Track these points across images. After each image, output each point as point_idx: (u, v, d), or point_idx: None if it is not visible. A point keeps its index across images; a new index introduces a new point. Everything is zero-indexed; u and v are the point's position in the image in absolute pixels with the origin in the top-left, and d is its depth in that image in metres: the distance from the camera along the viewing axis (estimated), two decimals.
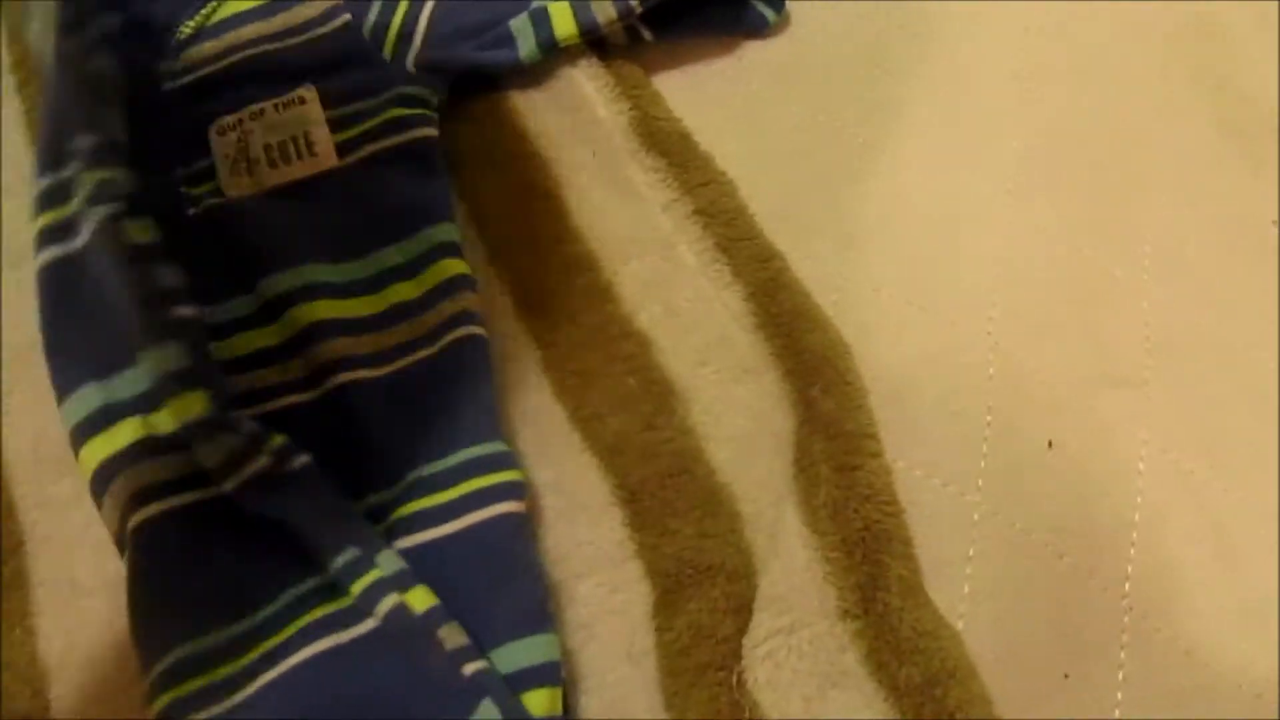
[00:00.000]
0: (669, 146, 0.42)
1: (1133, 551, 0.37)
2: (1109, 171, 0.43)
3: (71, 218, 0.36)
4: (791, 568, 0.35)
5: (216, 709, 0.31)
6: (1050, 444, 0.37)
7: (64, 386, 0.36)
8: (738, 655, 0.34)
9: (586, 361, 0.39)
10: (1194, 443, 0.38)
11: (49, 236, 0.37)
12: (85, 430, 0.35)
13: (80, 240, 0.36)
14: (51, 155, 0.37)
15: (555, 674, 0.33)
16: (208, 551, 0.34)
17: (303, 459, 0.33)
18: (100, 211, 0.35)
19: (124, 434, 0.34)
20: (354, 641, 0.33)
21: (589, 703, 0.34)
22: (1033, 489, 0.37)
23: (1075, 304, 0.40)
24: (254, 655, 0.32)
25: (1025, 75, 0.46)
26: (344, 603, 0.33)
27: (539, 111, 0.43)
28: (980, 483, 0.37)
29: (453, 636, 0.32)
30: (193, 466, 0.33)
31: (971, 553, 0.36)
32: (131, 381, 0.35)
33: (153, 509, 0.33)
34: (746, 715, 0.34)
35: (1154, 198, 0.43)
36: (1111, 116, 0.44)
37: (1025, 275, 0.41)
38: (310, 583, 0.33)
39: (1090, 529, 0.37)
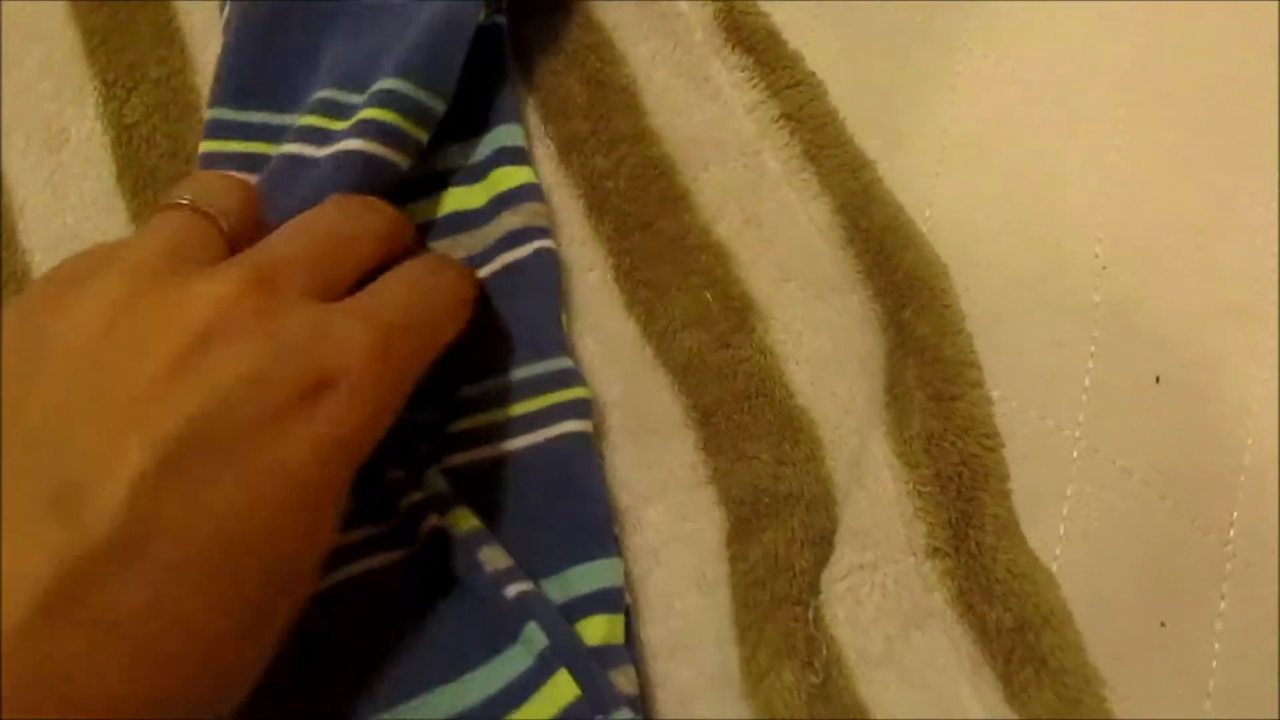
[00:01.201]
0: (756, 43, 0.39)
1: (1240, 496, 0.34)
2: (1233, 90, 0.39)
3: None
4: (878, 501, 0.33)
5: None
6: (1158, 379, 0.35)
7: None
8: (815, 590, 0.33)
9: (660, 273, 0.37)
10: None
11: None
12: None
13: None
14: None
15: (617, 600, 0.31)
16: None
17: None
18: None
19: None
20: (394, 564, 0.31)
21: (654, 632, 0.33)
22: (1136, 426, 0.34)
23: (1190, 231, 0.37)
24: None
25: None
26: (388, 525, 0.32)
27: (615, 2, 0.40)
28: (1081, 418, 0.34)
29: (495, 559, 0.30)
30: None
31: (1069, 491, 0.34)
32: None
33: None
34: (823, 652, 0.32)
35: None
36: (1239, 28, 0.40)
37: (1136, 199, 0.37)
38: (356, 504, 0.32)
39: (1195, 471, 0.34)
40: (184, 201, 0.30)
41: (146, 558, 0.23)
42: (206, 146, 0.36)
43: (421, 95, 0.34)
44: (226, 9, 0.38)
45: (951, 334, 0.33)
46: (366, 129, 0.33)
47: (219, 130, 0.36)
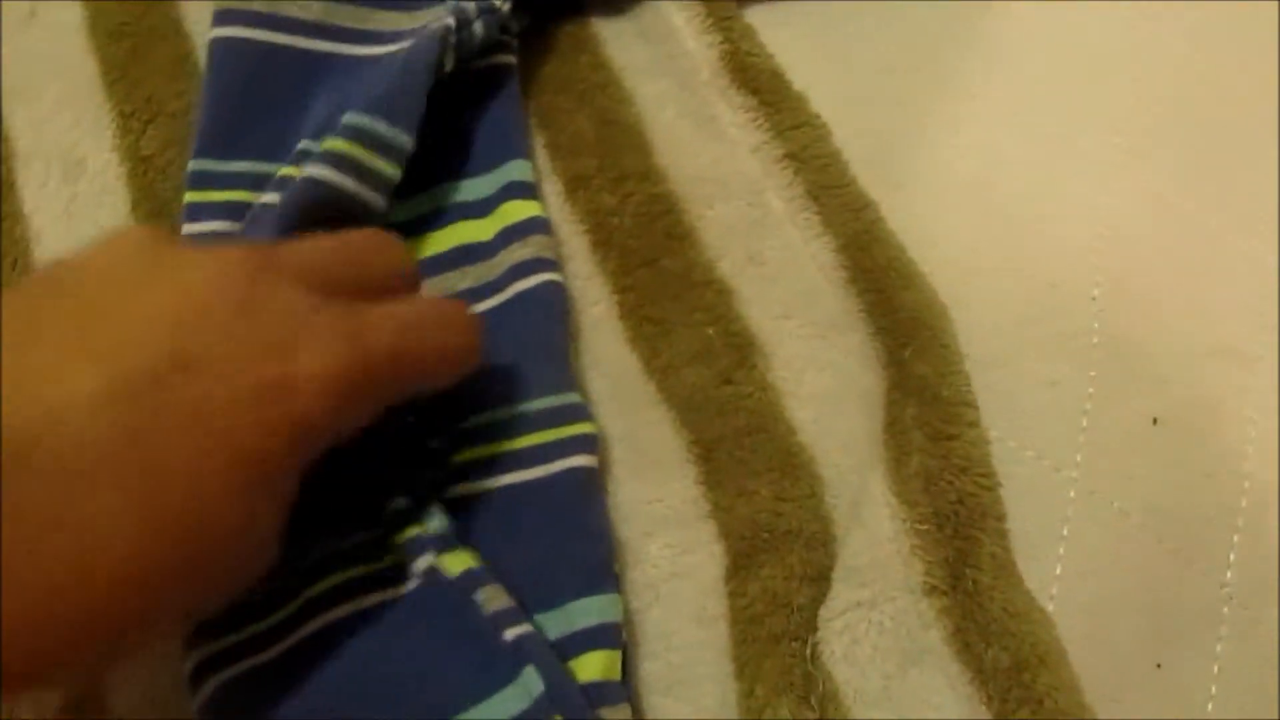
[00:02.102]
0: (760, 84, 0.39)
1: (1236, 539, 0.35)
2: (1229, 129, 0.40)
3: None
4: (876, 538, 0.33)
5: (239, 667, 0.30)
6: (1155, 420, 0.35)
7: None
8: (813, 626, 0.33)
9: (664, 309, 0.37)
10: None
11: None
12: None
13: None
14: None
15: (615, 636, 0.31)
16: None
17: None
18: None
19: None
20: (391, 603, 0.31)
21: (652, 667, 0.33)
22: (1133, 467, 0.35)
23: (1187, 272, 0.38)
24: (285, 612, 0.31)
25: (1143, 16, 0.43)
26: (386, 561, 0.32)
27: (624, 41, 0.41)
28: (1079, 458, 0.35)
29: (494, 599, 0.30)
30: None
31: (1066, 532, 0.34)
32: None
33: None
34: (820, 688, 0.32)
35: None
36: (1238, 68, 0.41)
37: (1134, 237, 0.38)
38: (354, 538, 0.32)
39: (1192, 513, 0.35)
40: None
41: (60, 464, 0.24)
42: (191, 198, 0.36)
43: (380, 127, 0.35)
44: (206, 58, 0.39)
45: (950, 374, 0.34)
46: (325, 158, 0.34)
47: (202, 181, 0.36)
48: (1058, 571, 0.33)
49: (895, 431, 0.34)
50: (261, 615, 0.30)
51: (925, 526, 0.32)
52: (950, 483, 0.33)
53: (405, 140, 0.35)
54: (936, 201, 0.38)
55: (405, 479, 0.32)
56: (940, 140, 0.39)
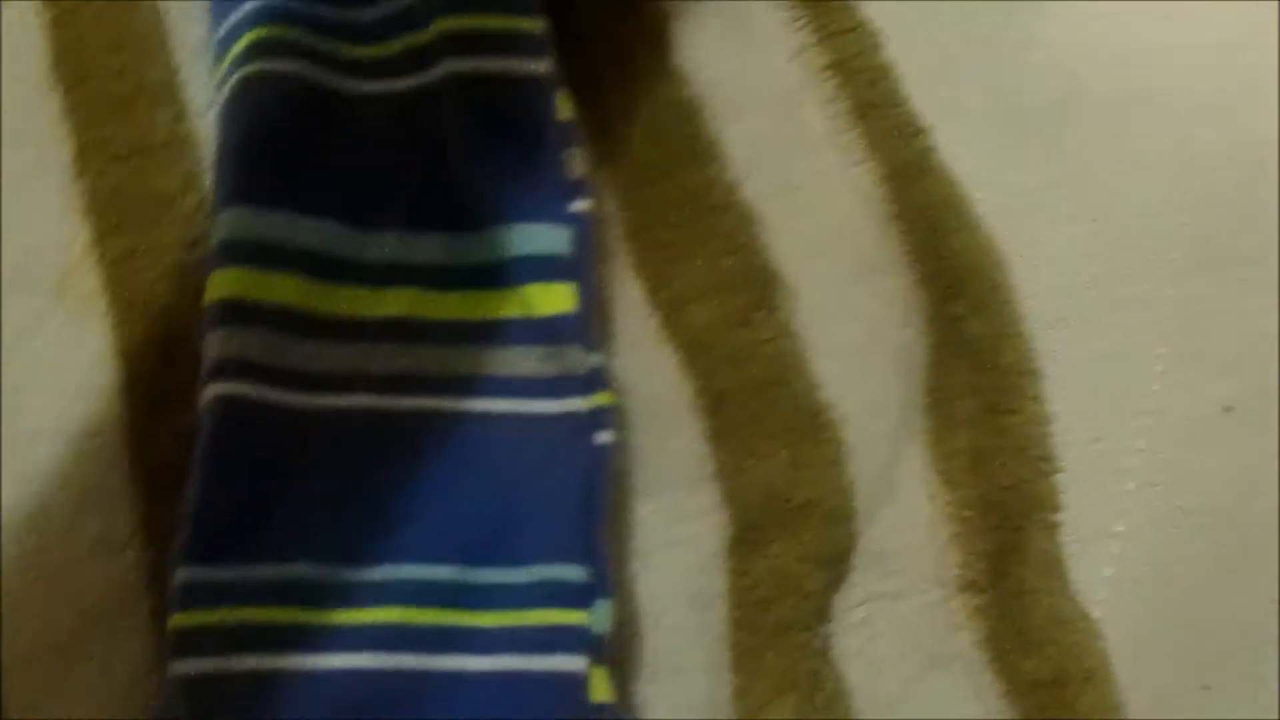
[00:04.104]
0: None
1: None
2: None
3: None
4: (908, 521, 0.29)
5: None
6: (1227, 409, 0.31)
7: (232, 197, 0.30)
8: (825, 616, 0.29)
9: (676, 231, 0.32)
10: None
11: None
12: (228, 254, 0.29)
13: None
14: None
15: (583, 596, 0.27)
16: (305, 464, 0.28)
17: None
18: None
19: (274, 287, 0.29)
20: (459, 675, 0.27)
21: (639, 646, 0.29)
22: (1199, 460, 0.30)
23: None
24: (327, 619, 0.27)
25: None
26: (471, 620, 0.27)
27: None
28: (1141, 445, 0.30)
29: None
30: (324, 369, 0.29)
31: (1120, 528, 0.30)
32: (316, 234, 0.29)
33: (249, 390, 0.28)
34: (828, 688, 0.28)
35: None
36: None
37: (1223, 193, 0.33)
38: (428, 571, 0.27)
39: (1254, 517, 0.30)
40: None
41: None
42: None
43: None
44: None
45: (1010, 335, 0.29)
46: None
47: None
48: (1107, 573, 0.29)
49: (940, 399, 0.29)
50: (276, 605, 0.27)
51: (968, 512, 0.28)
52: (1003, 465, 0.28)
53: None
54: (999, 133, 0.33)
55: None
56: (1008, 61, 0.34)
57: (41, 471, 0.29)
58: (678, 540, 0.29)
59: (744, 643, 0.28)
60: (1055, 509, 0.28)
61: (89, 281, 0.31)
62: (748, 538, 0.29)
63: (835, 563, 0.29)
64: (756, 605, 0.28)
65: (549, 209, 0.30)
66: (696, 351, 0.31)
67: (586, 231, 0.30)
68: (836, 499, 0.29)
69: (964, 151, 0.32)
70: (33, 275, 0.31)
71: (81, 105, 0.32)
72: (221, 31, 0.32)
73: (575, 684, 0.26)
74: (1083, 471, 0.30)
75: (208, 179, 0.32)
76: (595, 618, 0.27)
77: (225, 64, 0.31)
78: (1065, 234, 0.32)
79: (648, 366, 0.31)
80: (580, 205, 0.30)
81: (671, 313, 0.31)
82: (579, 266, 0.30)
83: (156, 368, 0.30)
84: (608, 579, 0.28)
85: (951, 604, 0.28)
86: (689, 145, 0.33)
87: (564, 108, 0.31)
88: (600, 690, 0.26)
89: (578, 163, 0.31)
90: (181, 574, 0.26)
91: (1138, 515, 0.30)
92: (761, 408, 0.30)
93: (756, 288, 0.31)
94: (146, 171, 0.32)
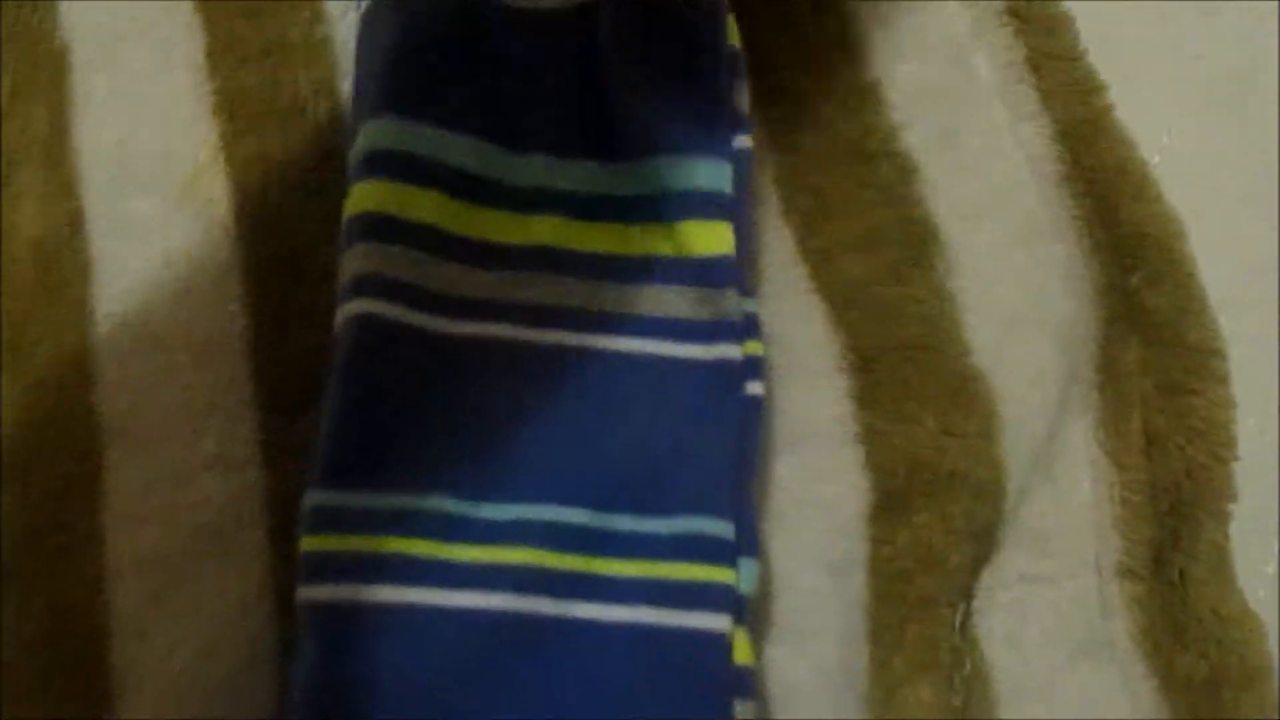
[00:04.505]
0: None
1: None
2: None
3: None
4: (1068, 502, 0.27)
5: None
6: None
7: (379, 107, 0.28)
8: (969, 593, 0.27)
9: (830, 178, 0.30)
10: None
11: None
12: (374, 166, 0.27)
13: None
14: None
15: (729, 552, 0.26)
16: (442, 392, 0.27)
17: None
18: None
19: (418, 203, 0.27)
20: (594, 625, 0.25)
21: (769, 607, 0.27)
22: None
23: None
24: (461, 555, 0.25)
25: None
26: (607, 568, 0.26)
27: None
28: None
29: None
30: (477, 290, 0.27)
31: None
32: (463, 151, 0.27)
33: (389, 309, 0.26)
34: (967, 668, 0.27)
35: None
36: None
37: None
38: (564, 513, 0.26)
39: None
40: None
41: None
42: None
43: None
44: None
45: (1195, 312, 0.27)
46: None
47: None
48: (1270, 570, 0.28)
49: (1112, 375, 0.27)
50: (419, 536, 0.26)
51: (1137, 497, 0.26)
52: (1180, 448, 0.26)
53: None
54: (1181, 97, 0.31)
55: None
56: (1193, 23, 0.32)
57: (160, 382, 0.28)
58: (816, 502, 0.28)
59: (883, 614, 0.27)
60: (1231, 498, 0.27)
61: (216, 187, 0.29)
62: (890, 505, 0.28)
63: (983, 538, 0.27)
64: (898, 576, 0.27)
65: (713, 143, 0.28)
66: (845, 306, 0.29)
67: (747, 170, 0.29)
68: (986, 472, 0.28)
69: (1143, 114, 0.30)
70: (158, 175, 0.29)
71: (214, 1, 0.31)
72: None
73: (719, 644, 0.25)
74: (1249, 462, 0.28)
75: (343, 87, 0.30)
76: (742, 577, 0.26)
77: None
78: (1248, 210, 0.30)
79: (793, 318, 0.29)
80: (742, 141, 0.29)
81: (821, 263, 0.30)
82: (737, 206, 0.28)
83: (283, 282, 0.29)
84: (755, 537, 0.26)
85: (1107, 590, 0.27)
86: (848, 86, 0.31)
87: (733, 34, 0.29)
88: (743, 653, 0.25)
89: (744, 95, 0.29)
90: (313, 497, 0.25)
91: None
92: (911, 370, 0.29)
93: (912, 244, 0.30)
94: (279, 75, 0.30)
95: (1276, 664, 0.26)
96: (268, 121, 0.30)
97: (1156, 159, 0.30)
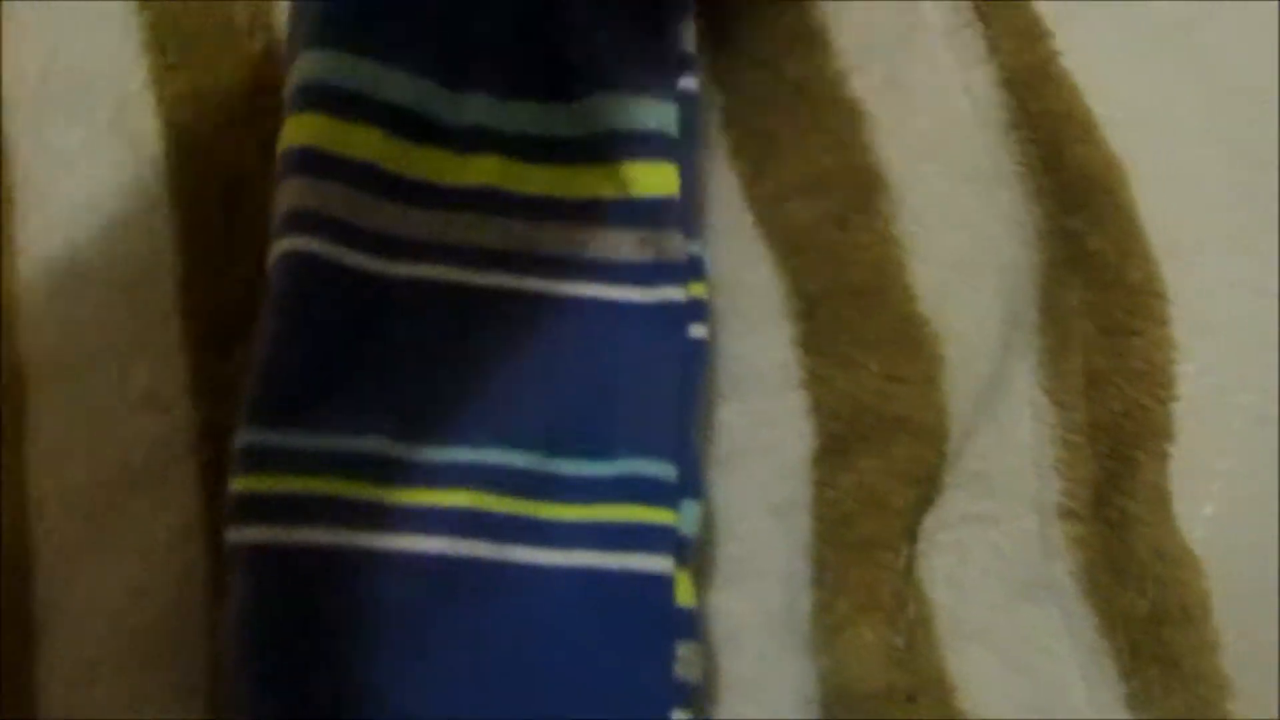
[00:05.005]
0: None
1: None
2: None
3: None
4: (1010, 442, 0.27)
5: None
6: None
7: (315, 39, 0.27)
8: (913, 536, 0.27)
9: (775, 122, 0.30)
10: None
11: None
12: (310, 98, 0.26)
13: None
14: None
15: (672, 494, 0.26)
16: (379, 333, 0.26)
17: None
18: None
19: (355, 139, 0.26)
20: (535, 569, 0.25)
21: (713, 552, 0.27)
22: None
23: None
24: (397, 498, 0.25)
25: None
26: (549, 511, 0.25)
27: None
28: (1259, 382, 0.28)
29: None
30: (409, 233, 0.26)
31: (1223, 467, 0.28)
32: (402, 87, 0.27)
33: (323, 247, 0.25)
34: (910, 610, 0.26)
35: None
36: None
37: None
38: (505, 456, 0.26)
39: None
40: None
41: None
42: None
43: None
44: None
45: (1135, 255, 0.27)
46: None
47: None
48: (1207, 512, 0.28)
49: (1054, 317, 0.27)
50: (354, 480, 0.25)
51: (1076, 438, 0.27)
52: (1120, 389, 0.26)
53: None
54: (1127, 43, 0.31)
55: None
56: None
57: (87, 317, 0.27)
58: (760, 447, 0.28)
59: (826, 557, 0.27)
60: (1170, 438, 0.27)
61: (146, 119, 0.29)
62: (834, 449, 0.27)
63: (925, 482, 0.27)
64: (841, 520, 0.27)
65: (658, 82, 0.28)
66: (791, 251, 0.29)
67: (694, 111, 0.28)
68: (930, 416, 0.28)
69: (1089, 60, 0.30)
70: (86, 104, 0.28)
71: None
72: None
73: (661, 585, 0.24)
74: (1189, 405, 0.28)
75: (280, 19, 0.29)
76: (684, 518, 0.25)
77: None
78: (1194, 155, 0.30)
79: (738, 262, 0.29)
80: (689, 82, 0.28)
81: (766, 208, 0.29)
82: (683, 148, 0.28)
83: (215, 216, 0.28)
84: (699, 479, 0.26)
85: (1048, 531, 0.27)
86: (795, 30, 0.31)
87: None
88: (685, 594, 0.25)
89: (691, 36, 0.29)
90: (245, 436, 0.24)
91: (1243, 456, 0.28)
92: (856, 315, 0.29)
93: (858, 188, 0.29)
94: (213, 4, 0.29)
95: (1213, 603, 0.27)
96: (201, 52, 0.29)
97: (1103, 106, 0.30)
